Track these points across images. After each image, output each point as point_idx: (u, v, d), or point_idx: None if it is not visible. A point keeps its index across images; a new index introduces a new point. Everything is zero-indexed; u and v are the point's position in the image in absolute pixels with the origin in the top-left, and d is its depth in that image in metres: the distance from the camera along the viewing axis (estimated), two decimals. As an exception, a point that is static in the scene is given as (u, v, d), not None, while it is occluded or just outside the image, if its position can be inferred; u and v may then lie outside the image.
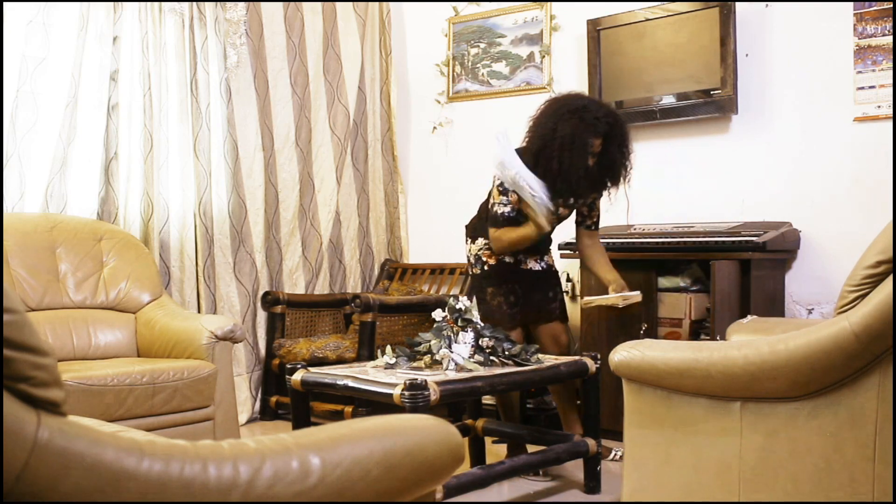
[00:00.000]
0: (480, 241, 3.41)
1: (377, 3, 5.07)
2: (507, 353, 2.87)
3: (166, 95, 4.05)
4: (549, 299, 3.43)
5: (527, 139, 3.30)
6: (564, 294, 3.53)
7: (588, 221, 3.49)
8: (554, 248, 3.55)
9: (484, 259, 3.39)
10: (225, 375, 3.44)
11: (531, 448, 3.31)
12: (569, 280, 4.25)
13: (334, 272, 4.90)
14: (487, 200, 3.44)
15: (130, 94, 3.95)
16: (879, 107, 3.61)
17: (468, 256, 3.47)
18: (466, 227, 3.53)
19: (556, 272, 3.50)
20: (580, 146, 3.14)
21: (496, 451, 3.54)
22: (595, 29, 4.27)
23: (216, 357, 3.39)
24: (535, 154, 3.20)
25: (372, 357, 3.88)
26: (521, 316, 3.39)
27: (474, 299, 2.96)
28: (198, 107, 4.16)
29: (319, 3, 4.81)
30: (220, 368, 3.38)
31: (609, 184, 3.31)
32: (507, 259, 3.37)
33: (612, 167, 3.25)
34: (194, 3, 4.17)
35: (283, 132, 4.61)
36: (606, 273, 3.40)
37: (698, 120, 4.03)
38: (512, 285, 3.37)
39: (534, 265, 3.41)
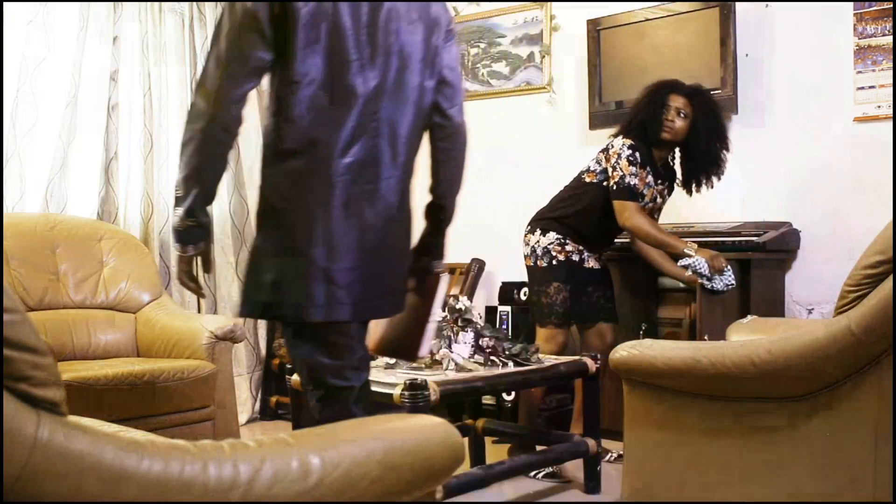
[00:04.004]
0: (552, 235, 3.39)
1: (377, 3, 5.07)
2: (507, 352, 2.87)
3: (166, 95, 4.05)
4: (607, 298, 3.48)
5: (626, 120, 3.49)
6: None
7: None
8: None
9: (554, 254, 3.38)
10: (225, 375, 3.44)
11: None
12: None
13: (334, 272, 4.89)
14: (572, 184, 3.48)
15: (130, 94, 3.95)
16: (879, 107, 3.61)
17: (534, 248, 3.43)
18: (534, 220, 3.50)
19: (609, 272, 3.54)
20: (658, 99, 3.35)
21: (496, 451, 3.54)
22: (595, 29, 4.27)
23: (216, 357, 3.39)
24: (633, 130, 3.38)
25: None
26: (580, 315, 3.42)
27: (466, 300, 2.96)
28: (198, 107, 4.15)
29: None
30: (220, 368, 3.38)
31: (703, 166, 3.41)
32: (574, 257, 3.39)
33: (707, 146, 3.37)
34: (194, 3, 4.17)
35: (284, 132, 4.60)
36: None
37: (698, 120, 4.03)
38: (577, 283, 3.39)
39: (594, 264, 3.44)
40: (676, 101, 3.35)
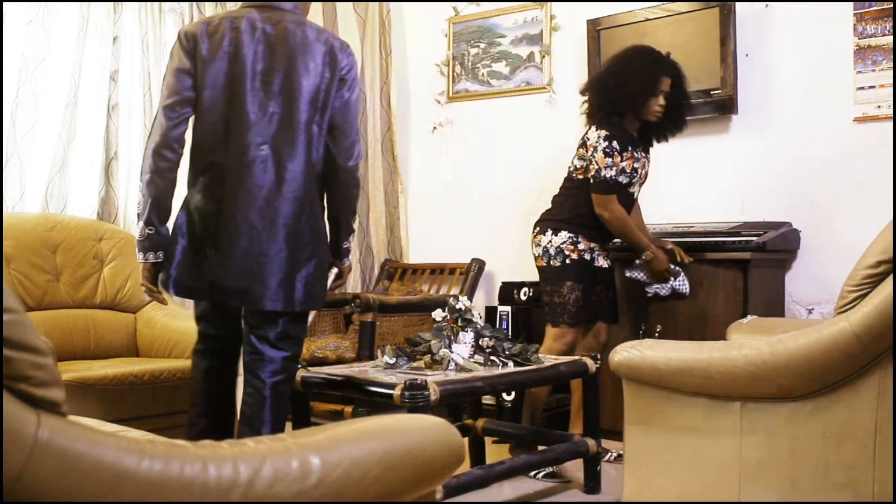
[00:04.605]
0: (564, 234, 3.38)
1: (377, 3, 5.07)
2: (507, 352, 2.87)
3: (166, 95, 4.05)
4: (610, 299, 3.50)
5: (599, 90, 3.46)
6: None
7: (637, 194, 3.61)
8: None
9: (567, 253, 3.38)
10: (225, 375, 3.43)
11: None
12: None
13: (334, 272, 4.89)
14: (565, 184, 3.51)
15: (130, 94, 3.95)
16: (879, 107, 3.61)
17: (546, 248, 3.41)
18: (541, 221, 3.49)
19: (614, 271, 3.55)
20: (652, 83, 3.36)
21: (496, 451, 3.54)
22: (595, 29, 4.27)
23: (216, 357, 3.38)
24: (614, 101, 3.38)
25: (372, 357, 3.88)
26: (591, 314, 3.42)
27: (466, 300, 2.95)
28: (198, 107, 4.16)
29: (319, 3, 4.81)
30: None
31: (669, 129, 3.49)
32: (586, 256, 3.39)
33: (681, 108, 3.45)
34: (194, 3, 4.17)
35: (283, 132, 4.60)
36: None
37: (698, 120, 4.02)
38: (588, 282, 3.39)
39: (603, 263, 3.45)
40: (666, 85, 3.38)
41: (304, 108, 2.41)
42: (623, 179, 3.34)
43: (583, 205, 3.39)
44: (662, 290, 3.45)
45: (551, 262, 3.40)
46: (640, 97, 3.35)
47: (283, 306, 2.43)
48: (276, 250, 2.40)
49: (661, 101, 3.36)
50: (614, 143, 3.30)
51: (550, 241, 3.40)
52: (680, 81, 3.43)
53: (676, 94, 3.41)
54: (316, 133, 2.45)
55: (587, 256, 3.39)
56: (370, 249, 5.08)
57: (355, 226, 4.99)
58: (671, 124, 3.46)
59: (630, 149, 3.35)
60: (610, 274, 3.48)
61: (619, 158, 3.30)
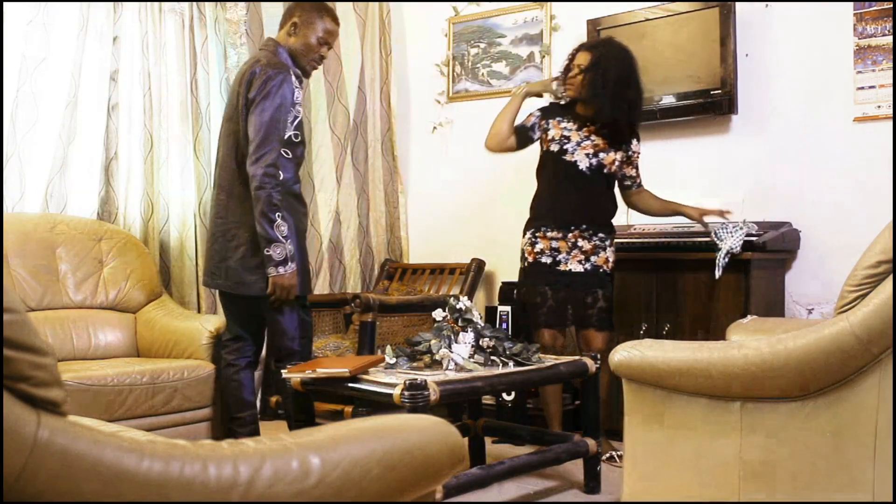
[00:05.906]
0: (527, 236, 3.44)
1: (377, 3, 5.07)
2: (507, 352, 2.87)
3: (166, 95, 4.05)
4: (587, 305, 3.37)
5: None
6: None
7: (635, 180, 3.60)
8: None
9: (525, 255, 3.42)
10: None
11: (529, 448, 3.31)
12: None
13: (334, 272, 4.89)
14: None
15: (130, 94, 3.95)
16: (879, 107, 3.61)
17: (520, 250, 3.52)
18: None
19: (606, 275, 3.41)
20: (568, 61, 3.51)
21: (496, 452, 3.54)
22: (595, 29, 4.27)
23: (216, 357, 3.39)
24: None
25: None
26: (552, 318, 3.37)
27: (466, 300, 2.96)
28: (198, 107, 4.15)
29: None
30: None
31: (604, 114, 3.39)
32: (545, 259, 3.38)
33: (596, 91, 3.36)
34: (194, 3, 4.16)
35: (283, 132, 4.60)
36: (681, 207, 3.56)
37: (698, 120, 4.03)
38: (544, 286, 3.36)
39: (575, 266, 3.37)
40: (581, 59, 3.42)
41: (230, 130, 3.07)
42: (554, 147, 3.42)
43: (536, 189, 3.53)
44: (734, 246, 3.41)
45: (520, 265, 3.49)
46: (562, 73, 3.51)
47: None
48: (220, 242, 3.11)
49: (574, 72, 3.41)
50: (539, 112, 3.52)
51: (521, 245, 3.49)
52: (597, 57, 3.37)
53: (591, 69, 3.35)
54: (238, 147, 3.02)
55: (545, 259, 3.38)
56: (370, 249, 5.07)
57: (355, 226, 5.02)
58: (596, 107, 3.39)
59: (558, 118, 3.46)
60: (581, 278, 3.36)
61: (551, 120, 3.45)
